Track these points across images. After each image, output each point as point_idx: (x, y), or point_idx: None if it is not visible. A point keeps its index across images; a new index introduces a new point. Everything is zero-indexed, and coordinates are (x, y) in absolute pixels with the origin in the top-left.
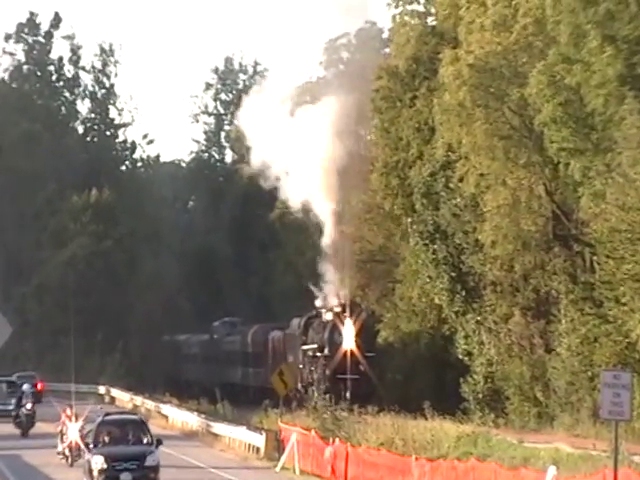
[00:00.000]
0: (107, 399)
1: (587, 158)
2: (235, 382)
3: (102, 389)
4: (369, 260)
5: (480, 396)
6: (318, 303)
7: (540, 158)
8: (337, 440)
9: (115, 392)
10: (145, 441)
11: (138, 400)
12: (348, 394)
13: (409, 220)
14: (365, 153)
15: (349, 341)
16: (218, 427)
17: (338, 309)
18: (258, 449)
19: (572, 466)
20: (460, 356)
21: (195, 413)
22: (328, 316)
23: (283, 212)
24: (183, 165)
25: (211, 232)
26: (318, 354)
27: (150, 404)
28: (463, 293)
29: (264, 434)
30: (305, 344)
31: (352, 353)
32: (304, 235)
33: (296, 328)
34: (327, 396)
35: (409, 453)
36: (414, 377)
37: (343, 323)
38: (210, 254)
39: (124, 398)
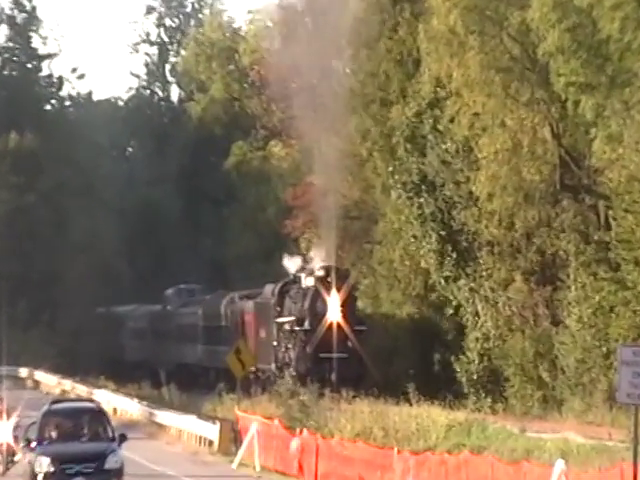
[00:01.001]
0: (30, 383)
1: (601, 94)
2: (193, 363)
3: (24, 371)
4: (343, 217)
5: (474, 377)
6: (293, 266)
7: (545, 94)
8: (305, 431)
9: (39, 375)
10: (105, 437)
11: (67, 384)
12: (334, 377)
13: (390, 169)
14: (339, 90)
15: (335, 312)
16: (163, 416)
17: (321, 273)
18: (211, 442)
19: (584, 459)
20: (451, 330)
21: (135, 400)
22: (308, 282)
23: (240, 160)
24: (120, 104)
25: (155, 184)
26: (296, 328)
27: (82, 389)
28: (454, 255)
29: (218, 424)
30: (280, 316)
31: (339, 327)
32: (266, 187)
33: (269, 296)
34: (309, 380)
35: (390, 445)
36: (396, 355)
37: (327, 290)
38: (154, 210)
39: (50, 382)
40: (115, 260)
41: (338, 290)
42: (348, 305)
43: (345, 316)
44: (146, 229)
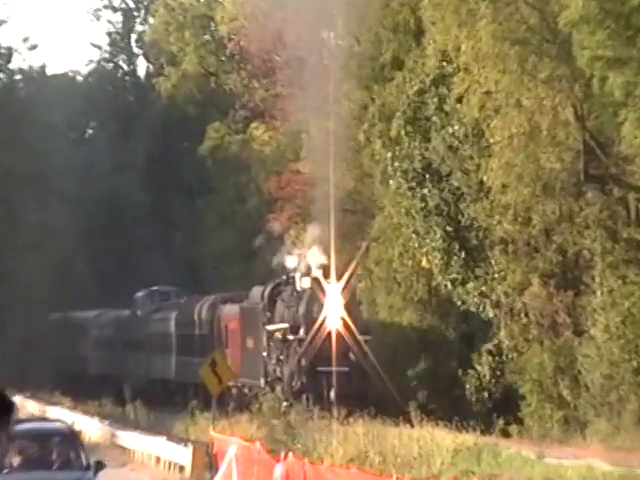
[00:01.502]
0: None
1: (631, 70)
2: (167, 378)
3: None
4: (335, 210)
5: (485, 395)
6: (289, 264)
7: (567, 70)
8: (291, 455)
9: None
10: (77, 464)
11: (16, 401)
12: (332, 394)
13: (389, 155)
14: (330, 64)
15: (334, 319)
16: (127, 437)
17: (318, 273)
18: (182, 467)
19: None
20: (458, 341)
21: (96, 418)
22: (304, 283)
23: (217, 144)
24: (79, 79)
25: (119, 172)
26: (290, 337)
27: (33, 406)
28: (462, 254)
29: (190, 447)
30: (271, 323)
31: (339, 336)
32: (246, 175)
33: (258, 300)
34: (304, 397)
35: (389, 472)
36: (395, 369)
37: (325, 293)
38: (118, 202)
39: None
40: (73, 259)
41: (339, 294)
42: (350, 310)
43: (347, 323)
44: (109, 224)
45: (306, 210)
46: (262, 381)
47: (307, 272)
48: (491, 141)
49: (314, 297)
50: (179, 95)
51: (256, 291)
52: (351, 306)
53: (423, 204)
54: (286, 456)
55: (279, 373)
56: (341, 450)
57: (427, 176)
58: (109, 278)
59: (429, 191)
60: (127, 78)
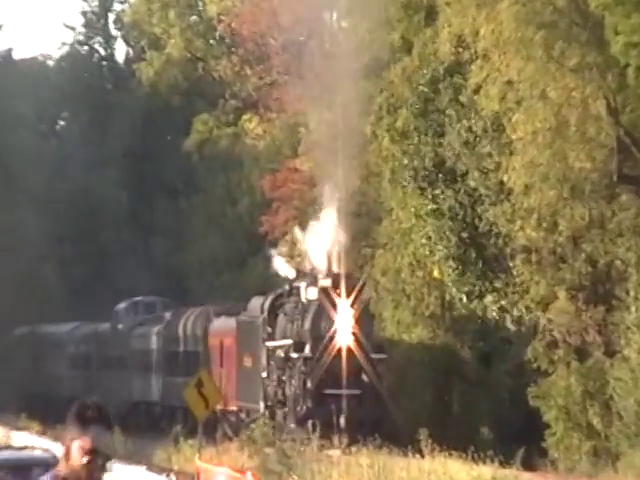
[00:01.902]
0: None
1: None
2: (152, 400)
3: None
4: (343, 212)
5: (504, 422)
6: (288, 273)
7: (599, 58)
8: None
9: None
10: None
11: None
12: (342, 420)
13: (397, 151)
14: (332, 49)
15: (345, 334)
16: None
17: (326, 283)
18: None
19: None
20: (474, 361)
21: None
22: (310, 294)
23: (205, 138)
24: (50, 64)
25: (94, 169)
26: (294, 355)
27: None
28: (479, 264)
29: (173, 478)
30: (272, 339)
31: (350, 354)
32: (237, 173)
33: (257, 313)
34: (309, 424)
35: None
36: (404, 392)
37: (334, 306)
38: (93, 203)
39: None
40: (41, 266)
41: (350, 306)
42: (363, 325)
43: (359, 340)
44: (82, 227)
45: (304, 212)
46: (261, 405)
47: (313, 282)
48: (513, 137)
49: (322, 310)
50: (162, 83)
51: (255, 303)
52: (363, 320)
53: (435, 207)
54: None
55: (281, 396)
56: None
57: (440, 175)
58: (82, 288)
59: (442, 192)
60: (104, 63)
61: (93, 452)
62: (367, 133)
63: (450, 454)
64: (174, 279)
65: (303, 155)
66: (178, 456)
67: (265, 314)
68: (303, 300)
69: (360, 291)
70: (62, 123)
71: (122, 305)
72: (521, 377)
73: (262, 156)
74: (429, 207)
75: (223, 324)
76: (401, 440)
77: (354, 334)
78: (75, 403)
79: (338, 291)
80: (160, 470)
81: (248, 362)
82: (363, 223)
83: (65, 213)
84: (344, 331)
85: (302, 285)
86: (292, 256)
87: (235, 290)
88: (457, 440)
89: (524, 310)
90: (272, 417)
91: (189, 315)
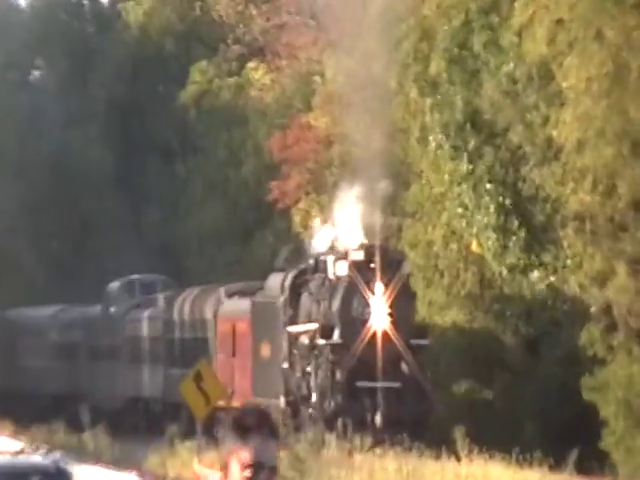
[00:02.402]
0: None
1: None
2: (153, 396)
3: None
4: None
5: (554, 418)
6: (313, 245)
7: None
8: None
9: None
10: None
11: None
12: (378, 418)
13: (427, 104)
14: None
15: (381, 317)
16: (83, 472)
17: (359, 256)
18: None
19: None
20: (519, 347)
21: (43, 448)
22: (340, 269)
23: (203, 90)
24: (22, 4)
25: (74, 126)
26: (320, 342)
27: None
28: (524, 234)
29: None
30: (294, 322)
31: (387, 340)
32: (241, 131)
33: (276, 292)
34: (339, 423)
35: None
36: (436, 384)
37: (369, 283)
38: (72, 166)
39: None
40: (13, 240)
41: (387, 283)
42: (402, 306)
43: (397, 323)
44: (60, 194)
45: (319, 176)
46: (282, 401)
47: (343, 255)
48: (563, 85)
49: (353, 288)
50: (153, 25)
51: (273, 280)
52: (402, 300)
53: (472, 168)
54: None
55: (305, 391)
56: None
57: (477, 130)
58: (61, 265)
59: (479, 151)
60: (85, 2)
61: (255, 466)
62: (392, 83)
63: (491, 456)
64: (168, 255)
65: (318, 109)
66: (174, 460)
67: (286, 294)
68: (331, 277)
69: (398, 265)
70: (36, 73)
71: (115, 285)
72: (574, 366)
73: (270, 111)
74: (465, 169)
75: (235, 306)
76: (433, 440)
77: (391, 316)
78: (232, 410)
79: (372, 266)
80: (153, 477)
81: (265, 351)
82: (387, 189)
83: (40, 178)
84: (380, 313)
85: (330, 259)
86: (306, 227)
87: (241, 268)
88: (499, 440)
89: (577, 288)
90: (295, 415)
91: (195, 296)
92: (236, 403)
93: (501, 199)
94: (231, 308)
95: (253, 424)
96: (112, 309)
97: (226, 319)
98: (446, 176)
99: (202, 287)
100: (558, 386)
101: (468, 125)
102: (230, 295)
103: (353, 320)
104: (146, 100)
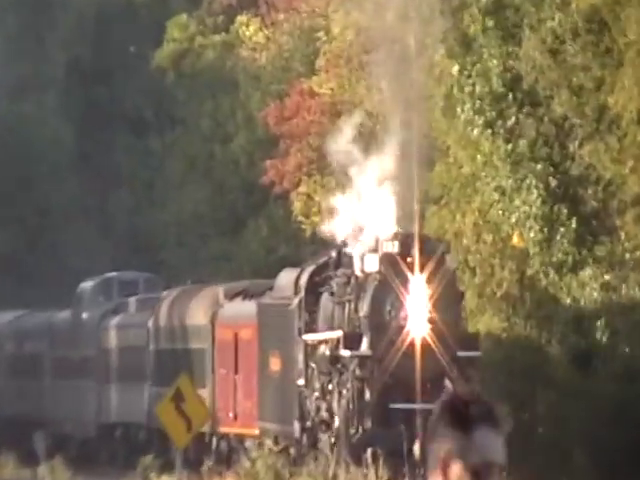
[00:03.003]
0: None
1: None
2: (136, 421)
3: None
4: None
5: (607, 443)
6: (337, 235)
7: None
8: None
9: None
10: None
11: None
12: (417, 448)
13: (455, 68)
14: None
15: (420, 322)
16: None
17: (392, 247)
18: None
19: None
20: (568, 359)
21: None
22: (369, 264)
23: (183, 49)
24: None
25: (26, 94)
26: (345, 353)
27: None
28: (573, 224)
29: None
30: (312, 330)
31: (428, 350)
32: (229, 99)
33: (288, 293)
34: (367, 455)
35: None
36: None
37: (405, 282)
38: (26, 141)
39: None
40: None
41: (428, 280)
42: (446, 309)
43: (440, 330)
44: (12, 177)
45: (324, 154)
46: (297, 427)
47: (372, 247)
48: (620, 42)
49: (385, 287)
50: None
51: (285, 278)
52: (446, 302)
53: (510, 145)
54: None
55: (326, 414)
56: None
57: (516, 99)
58: (12, 262)
59: (519, 123)
60: None
61: (486, 467)
62: (412, 42)
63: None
64: (141, 248)
65: (322, 73)
66: None
67: (301, 294)
68: (358, 273)
69: (442, 259)
70: None
71: (88, 285)
72: (632, 383)
73: (265, 75)
74: (502, 146)
75: (238, 310)
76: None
77: (433, 322)
78: (446, 395)
79: (409, 259)
80: None
81: (276, 364)
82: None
83: None
84: (418, 317)
85: (356, 251)
86: (308, 215)
87: (229, 264)
88: (543, 468)
89: (637, 288)
90: (313, 444)
91: (188, 297)
92: (239, 429)
93: (546, 182)
94: (233, 312)
95: (478, 414)
96: (84, 314)
97: (226, 326)
98: (479, 154)
99: (196, 286)
100: (613, 406)
101: (506, 92)
102: (231, 297)
103: (385, 327)
104: (114, 62)
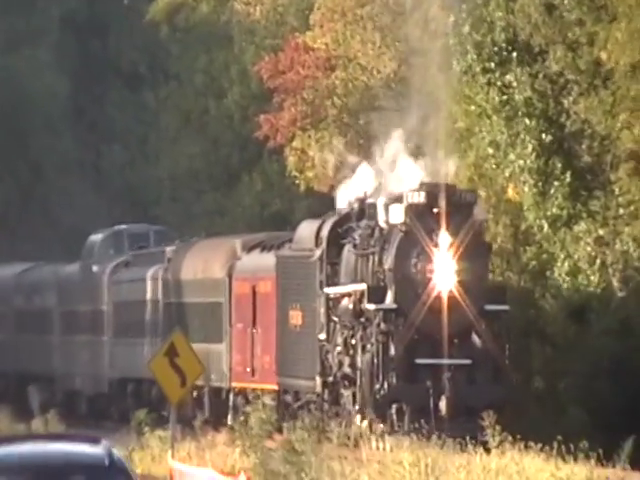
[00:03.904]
0: None
1: None
2: (148, 377)
3: None
4: (359, 110)
5: (604, 400)
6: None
7: None
8: None
9: None
10: None
11: None
12: (443, 404)
13: (451, 20)
14: None
15: (447, 276)
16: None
17: (418, 198)
18: None
19: None
20: (560, 316)
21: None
22: (394, 215)
23: (177, 2)
24: None
25: (19, 47)
26: (369, 307)
27: None
28: (567, 178)
29: None
30: (334, 283)
31: (455, 305)
32: (223, 53)
33: (309, 245)
34: (392, 411)
35: None
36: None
37: (431, 234)
38: (18, 96)
39: None
40: None
41: (455, 232)
42: (474, 262)
43: (468, 284)
44: (5, 132)
45: (319, 108)
46: (318, 382)
47: (397, 197)
48: None
49: (411, 238)
50: None
51: (306, 230)
52: (475, 255)
53: (506, 98)
54: None
55: (349, 369)
56: None
57: (512, 54)
58: (5, 216)
59: (516, 78)
60: None
61: None
62: None
63: (527, 446)
64: (135, 203)
65: (317, 27)
66: (143, 454)
67: (323, 246)
68: (382, 224)
69: (469, 210)
70: None
71: (98, 237)
72: (628, 337)
73: (259, 29)
74: (496, 99)
75: (256, 262)
76: (456, 427)
77: (460, 274)
78: None
79: (436, 210)
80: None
81: (296, 319)
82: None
83: None
84: (445, 270)
85: (380, 202)
86: (302, 170)
87: (223, 218)
88: (537, 427)
89: (631, 243)
90: (335, 401)
91: (202, 250)
92: (257, 385)
93: (541, 136)
94: (250, 265)
95: None
96: (95, 267)
97: (244, 279)
98: (474, 107)
99: (211, 239)
100: (609, 362)
101: (503, 47)
102: (249, 249)
103: (411, 280)
104: (107, 15)
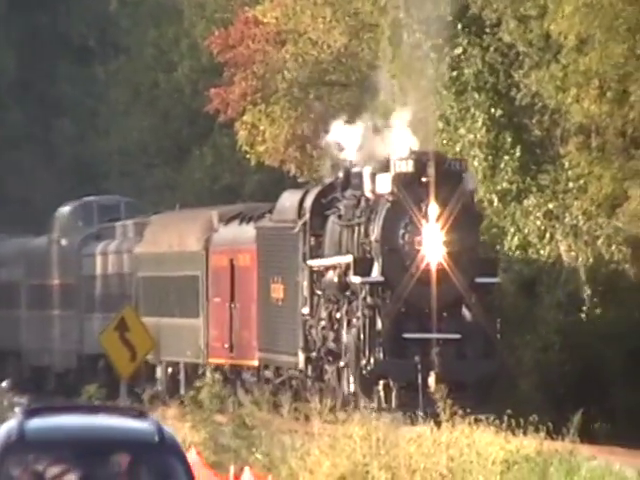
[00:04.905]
0: None
1: None
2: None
3: None
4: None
5: (553, 373)
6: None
7: None
8: (247, 470)
9: None
10: None
11: None
12: (432, 380)
13: None
14: None
15: (436, 247)
16: None
17: (406, 167)
18: None
19: None
20: (512, 290)
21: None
22: (381, 184)
23: None
24: None
25: None
26: (355, 279)
27: None
28: (517, 152)
29: None
30: (318, 255)
31: (444, 276)
32: (173, 27)
33: (291, 215)
34: (378, 387)
35: None
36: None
37: (420, 203)
38: None
39: None
40: None
41: (444, 202)
42: (464, 233)
43: (458, 256)
44: None
45: (269, 82)
46: (301, 358)
47: (384, 165)
48: None
49: (398, 209)
50: None
51: (288, 200)
52: (464, 225)
53: (455, 73)
54: (238, 475)
55: (333, 344)
56: (327, 463)
57: (462, 27)
58: None
59: (465, 52)
60: None
61: None
62: None
63: (477, 420)
64: (86, 177)
65: (267, 1)
66: None
67: (306, 217)
68: (368, 194)
69: (459, 179)
70: None
71: (66, 209)
72: (577, 311)
73: (209, 3)
74: (447, 74)
75: (235, 234)
76: (405, 401)
77: (449, 245)
78: None
79: (424, 180)
80: None
81: (277, 292)
82: (352, 96)
83: None
84: (434, 242)
85: (366, 171)
86: (252, 144)
87: (173, 192)
88: (486, 400)
89: (580, 216)
90: (319, 377)
91: (177, 222)
92: (235, 361)
93: (490, 110)
94: (228, 237)
95: None
96: (63, 241)
97: (221, 252)
98: (424, 82)
99: (186, 210)
100: (558, 334)
101: (452, 21)
102: (226, 221)
103: (398, 251)
104: None
